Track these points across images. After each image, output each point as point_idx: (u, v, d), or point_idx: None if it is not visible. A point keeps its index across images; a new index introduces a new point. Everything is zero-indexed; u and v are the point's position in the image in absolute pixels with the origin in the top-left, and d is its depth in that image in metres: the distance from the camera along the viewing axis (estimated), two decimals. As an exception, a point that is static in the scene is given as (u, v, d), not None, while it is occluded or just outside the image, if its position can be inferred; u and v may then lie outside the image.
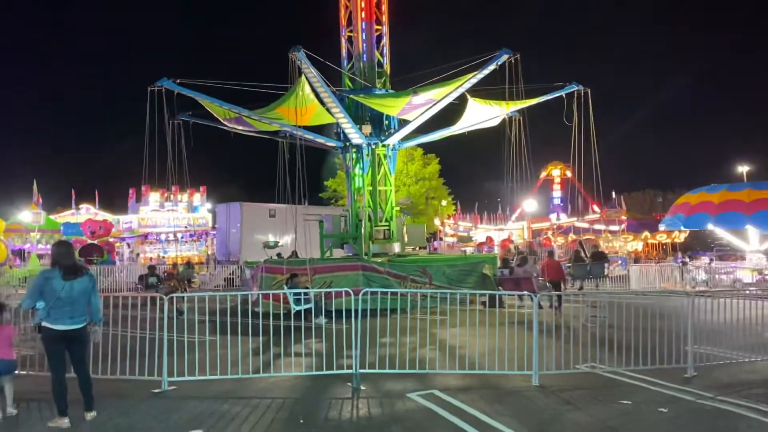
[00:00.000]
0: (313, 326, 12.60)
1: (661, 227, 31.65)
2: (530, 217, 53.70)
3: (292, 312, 12.74)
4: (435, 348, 10.29)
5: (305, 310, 13.46)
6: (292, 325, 9.42)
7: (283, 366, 9.02)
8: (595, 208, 52.92)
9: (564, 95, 19.28)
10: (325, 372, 8.47)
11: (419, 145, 38.70)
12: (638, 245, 46.39)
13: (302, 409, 7.04)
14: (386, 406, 7.11)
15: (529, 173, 21.08)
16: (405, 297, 13.67)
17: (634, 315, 9.70)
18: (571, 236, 43.82)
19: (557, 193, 66.44)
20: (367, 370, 8.31)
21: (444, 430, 6.22)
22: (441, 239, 47.70)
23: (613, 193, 48.57)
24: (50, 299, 6.38)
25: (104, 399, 6.95)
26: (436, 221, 47.89)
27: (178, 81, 17.28)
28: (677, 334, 8.92)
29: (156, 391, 7.73)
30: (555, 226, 50.60)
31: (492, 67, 16.17)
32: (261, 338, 9.31)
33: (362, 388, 7.82)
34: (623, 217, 44.84)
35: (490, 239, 45.82)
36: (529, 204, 55.60)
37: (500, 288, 16.13)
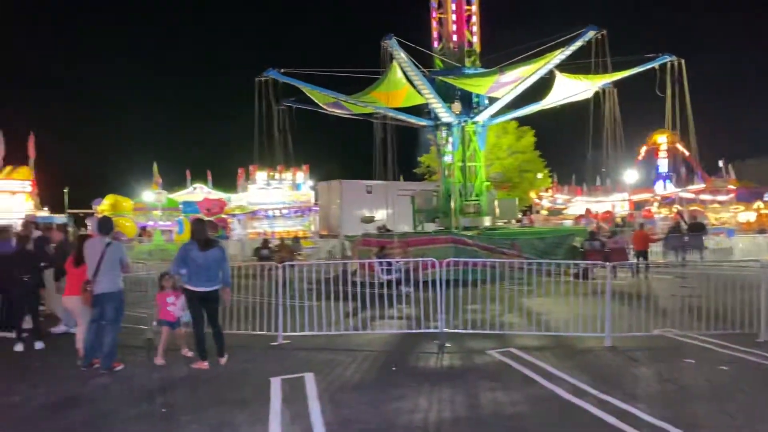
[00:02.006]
0: (403, 294, 13.69)
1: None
2: (631, 189, 52.20)
3: (384, 281, 14.05)
4: (517, 314, 11.17)
5: (393, 279, 14.63)
6: (383, 293, 10.62)
7: (378, 325, 10.32)
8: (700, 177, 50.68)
9: (657, 67, 19.15)
10: (414, 330, 9.68)
11: (513, 119, 38.84)
12: (750, 216, 43.84)
13: (394, 359, 8.24)
14: (466, 360, 8.19)
15: (622, 145, 21.17)
16: (493, 268, 14.48)
17: (722, 285, 10.14)
18: (675, 207, 42.39)
19: (663, 161, 63.82)
20: (451, 330, 9.39)
21: (513, 377, 7.20)
22: (537, 212, 47.53)
23: (720, 162, 46.19)
24: (191, 266, 7.92)
25: (232, 349, 8.45)
26: (532, 194, 47.67)
27: (282, 71, 18.87)
28: (756, 302, 9.30)
29: (273, 343, 9.22)
30: (659, 197, 48.98)
31: (579, 43, 16.48)
32: (358, 303, 10.61)
33: (447, 345, 8.90)
34: (731, 187, 42.61)
35: (588, 211, 45.04)
36: (630, 175, 53.99)
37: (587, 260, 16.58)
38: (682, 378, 7.12)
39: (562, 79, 18.87)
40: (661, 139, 63.74)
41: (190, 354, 8.25)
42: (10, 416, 6.12)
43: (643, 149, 57.59)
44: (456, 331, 9.47)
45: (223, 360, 8.09)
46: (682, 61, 18.99)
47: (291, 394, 6.61)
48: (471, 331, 9.49)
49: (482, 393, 6.57)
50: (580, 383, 6.82)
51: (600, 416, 5.74)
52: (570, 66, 18.89)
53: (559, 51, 16.85)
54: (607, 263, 10.88)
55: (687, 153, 57.15)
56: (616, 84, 21.05)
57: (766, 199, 32.66)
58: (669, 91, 19.11)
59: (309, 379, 7.16)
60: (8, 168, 33.54)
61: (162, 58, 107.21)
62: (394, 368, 7.78)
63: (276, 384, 6.93)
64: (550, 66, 17.40)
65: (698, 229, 18.80)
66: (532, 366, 7.67)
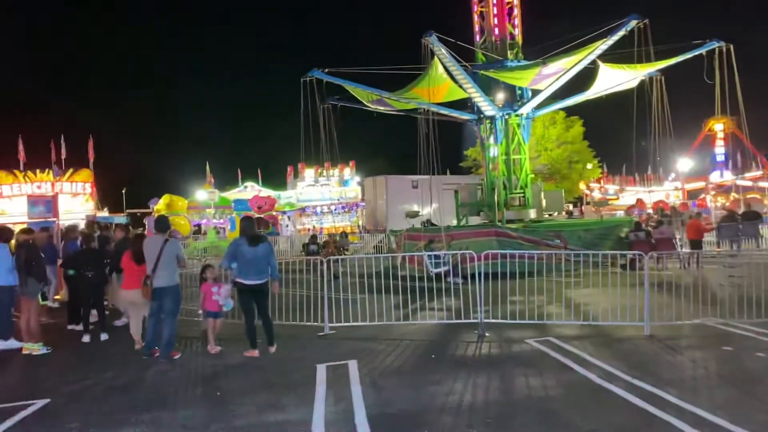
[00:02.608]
0: (452, 286, 13.95)
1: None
2: (685, 177, 50.83)
3: (432, 274, 14.39)
4: (558, 305, 11.33)
5: (443, 272, 14.99)
6: (426, 285, 10.98)
7: (420, 317, 10.67)
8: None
9: (704, 53, 18.77)
10: (455, 321, 9.98)
11: (561, 109, 38.43)
12: (816, 203, 42.09)
13: (434, 348, 8.57)
14: (504, 348, 8.44)
15: (670, 133, 20.85)
16: (540, 260, 14.58)
17: None
18: (733, 195, 41.09)
19: (720, 149, 61.85)
20: (491, 320, 9.65)
21: (549, 364, 7.43)
22: (588, 203, 46.84)
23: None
24: (241, 261, 8.44)
25: (282, 338, 8.94)
26: (582, 185, 47.01)
27: (326, 71, 19.36)
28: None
29: (320, 334, 9.67)
30: (714, 185, 47.56)
31: (621, 33, 16.35)
32: (402, 296, 10.99)
33: (486, 334, 9.17)
34: (791, 173, 41.07)
35: (640, 201, 44.11)
36: (684, 163, 52.51)
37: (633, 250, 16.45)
38: (717, 365, 7.21)
39: (605, 69, 18.73)
40: (718, 126, 61.85)
41: (216, 350, 8.72)
42: (85, 395, 6.76)
43: (700, 137, 56.04)
44: (497, 321, 9.73)
45: (273, 349, 8.58)
46: (731, 47, 18.56)
47: (335, 379, 7.03)
48: (511, 322, 9.72)
49: (516, 378, 6.84)
50: (613, 369, 7.00)
51: (628, 398, 5.94)
52: (614, 55, 18.72)
53: (601, 41, 16.74)
54: (648, 253, 10.86)
55: (745, 140, 55.42)
56: (666, 72, 20.72)
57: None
58: (717, 78, 18.73)
59: (352, 365, 7.57)
60: (70, 171, 35.32)
61: (213, 60, 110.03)
62: (433, 356, 8.11)
63: (321, 370, 7.37)
64: (592, 56, 17.31)
65: (753, 217, 18.34)
66: (569, 354, 7.87)
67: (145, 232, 27.36)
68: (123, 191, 46.73)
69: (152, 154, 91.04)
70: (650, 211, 36.66)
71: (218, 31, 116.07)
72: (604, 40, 16.66)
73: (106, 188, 41.95)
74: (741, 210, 23.23)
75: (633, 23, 16.08)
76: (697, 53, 18.75)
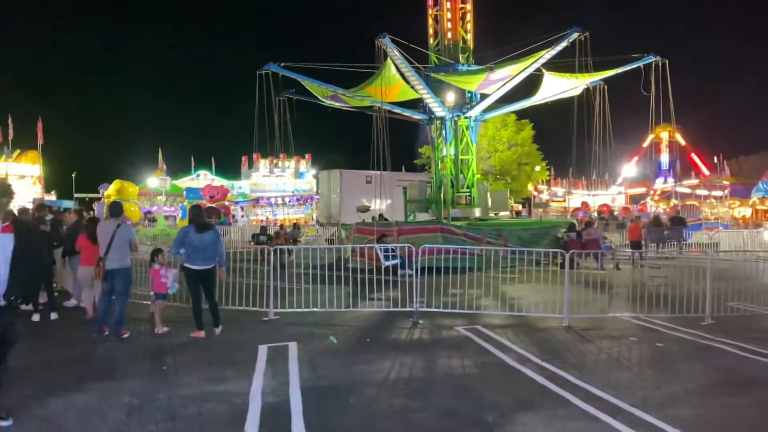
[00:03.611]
0: (399, 278, 14.60)
1: (755, 194, 31.04)
2: (629, 183, 53.01)
3: (383, 267, 15.05)
4: (492, 297, 12.15)
5: (393, 264, 15.65)
6: (375, 277, 11.62)
7: (362, 305, 11.34)
8: (704, 171, 51.37)
9: (642, 67, 20.01)
10: (393, 309, 10.69)
11: (513, 112, 39.68)
12: (746, 211, 44.46)
13: (371, 333, 9.24)
14: (435, 334, 9.18)
15: (611, 139, 22.11)
16: (481, 256, 15.45)
17: (688, 274, 11.13)
18: (673, 201, 43.16)
19: (665, 156, 64.43)
20: (427, 309, 10.39)
21: (472, 348, 8.18)
22: (535, 204, 48.39)
23: (715, 158, 46.97)
24: (188, 247, 8.92)
25: (227, 322, 9.44)
26: (530, 187, 48.53)
27: (282, 65, 19.81)
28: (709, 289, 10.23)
29: (265, 318, 10.21)
30: (658, 191, 49.74)
31: (563, 44, 17.35)
32: (347, 287, 11.64)
33: (420, 322, 9.89)
34: (725, 182, 43.38)
35: (585, 204, 45.86)
36: (628, 169, 54.71)
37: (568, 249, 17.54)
38: (618, 352, 8.09)
39: (550, 78, 19.75)
40: (664, 134, 64.42)
41: (163, 330, 9.17)
42: (38, 368, 7.16)
43: (645, 143, 58.30)
44: (432, 310, 10.48)
45: (218, 330, 9.09)
46: (666, 62, 19.87)
47: (275, 357, 7.61)
48: (445, 311, 10.51)
49: (439, 359, 7.57)
50: (527, 354, 7.81)
51: (534, 378, 6.73)
52: (558, 64, 19.76)
53: (545, 51, 17.72)
54: (575, 252, 11.81)
55: (688, 148, 58.04)
56: (610, 81, 21.93)
57: (753, 194, 33.47)
58: (653, 90, 20.02)
59: (293, 347, 8.16)
60: (17, 152, 34.64)
61: (168, 46, 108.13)
62: (368, 340, 8.78)
63: (263, 350, 7.94)
64: (536, 65, 18.28)
65: (678, 223, 19.76)
66: (491, 340, 8.65)
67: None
68: (73, 175, 45.92)
69: (104, 139, 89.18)
70: (595, 213, 38.35)
71: (172, 16, 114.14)
72: (548, 50, 17.64)
73: (56, 172, 41.17)
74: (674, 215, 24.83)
75: (575, 35, 17.09)
76: (635, 66, 19.99)
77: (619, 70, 20.16)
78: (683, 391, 6.36)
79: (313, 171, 49.83)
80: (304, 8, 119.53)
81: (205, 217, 9.43)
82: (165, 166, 42.20)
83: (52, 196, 37.74)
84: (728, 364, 7.51)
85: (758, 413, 5.85)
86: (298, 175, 50.14)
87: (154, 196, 39.66)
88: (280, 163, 48.88)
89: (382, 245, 16.36)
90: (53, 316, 10.25)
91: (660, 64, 19.79)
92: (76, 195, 43.51)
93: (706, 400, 6.11)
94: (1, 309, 5.15)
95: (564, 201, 48.53)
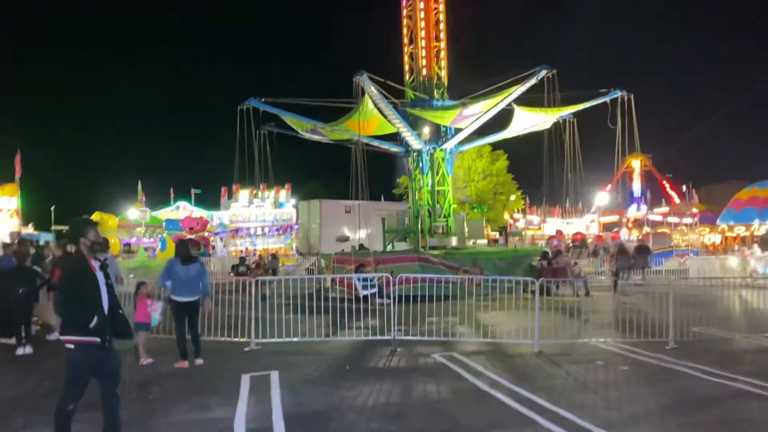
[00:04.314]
0: (377, 307, 14.94)
1: (718, 222, 32.06)
2: (603, 211, 54.06)
3: (361, 296, 15.39)
4: (468, 325, 12.54)
5: (371, 294, 16.01)
6: (354, 307, 11.98)
7: (341, 334, 11.68)
8: (674, 199, 52.68)
9: (608, 101, 20.90)
10: (372, 338, 11.04)
11: (488, 144, 40.66)
12: (716, 238, 45.48)
13: (350, 361, 9.58)
14: (411, 361, 9.55)
15: (581, 170, 22.95)
16: (457, 284, 15.87)
17: (656, 301, 11.68)
18: (645, 229, 44.18)
19: (637, 184, 65.88)
20: (405, 338, 10.77)
21: (448, 374, 8.57)
22: (511, 233, 49.12)
23: (684, 186, 48.34)
24: (175, 279, 9.23)
25: (210, 352, 9.71)
26: (506, 215, 49.36)
27: (263, 100, 20.32)
28: (672, 315, 10.76)
29: (246, 348, 10.49)
30: (631, 219, 50.81)
31: (532, 81, 18.15)
32: (327, 316, 11.99)
33: (398, 350, 10.25)
34: (695, 210, 44.61)
35: (559, 233, 46.64)
36: (601, 197, 55.85)
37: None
38: (585, 376, 8.53)
39: (520, 112, 20.48)
40: (635, 163, 66.00)
41: (147, 361, 9.40)
42: (26, 399, 7.38)
43: (618, 172, 59.70)
44: (410, 338, 10.88)
45: (200, 361, 9.35)
46: (632, 96, 20.78)
47: (257, 386, 7.91)
48: (422, 339, 10.92)
49: (416, 385, 7.93)
50: (500, 378, 8.21)
51: (504, 401, 7.13)
52: (529, 99, 20.56)
53: (515, 87, 18.49)
54: (545, 279, 12.32)
55: (658, 177, 59.54)
56: (581, 113, 22.79)
57: (718, 222, 34.57)
58: (619, 123, 20.90)
59: (274, 375, 8.45)
60: (-6, 185, 34.38)
61: (148, 77, 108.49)
62: (347, 368, 9.11)
63: (245, 379, 8.22)
64: (507, 101, 19.02)
65: (644, 251, 20.48)
66: (466, 366, 9.04)
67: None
68: (52, 208, 45.54)
69: (84, 170, 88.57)
70: (567, 241, 39.09)
71: (153, 49, 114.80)
72: (518, 86, 18.41)
73: (34, 204, 40.90)
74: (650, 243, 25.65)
75: (543, 72, 17.90)
76: (602, 101, 20.87)
77: (587, 104, 21.02)
78: (644, 411, 6.80)
79: (293, 201, 50.05)
80: (285, 45, 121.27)
81: (190, 251, 9.76)
82: (144, 198, 42.15)
83: (29, 229, 37.42)
84: (688, 385, 7.98)
85: (712, 429, 6.30)
86: (278, 205, 50.31)
87: (134, 227, 39.54)
88: (260, 194, 49.07)
89: (359, 275, 16.75)
90: (28, 350, 10.37)
91: (626, 99, 20.69)
92: (54, 227, 43.15)
93: (664, 419, 6.55)
94: None
95: (540, 229, 49.37)
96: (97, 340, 5.14)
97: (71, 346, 5.15)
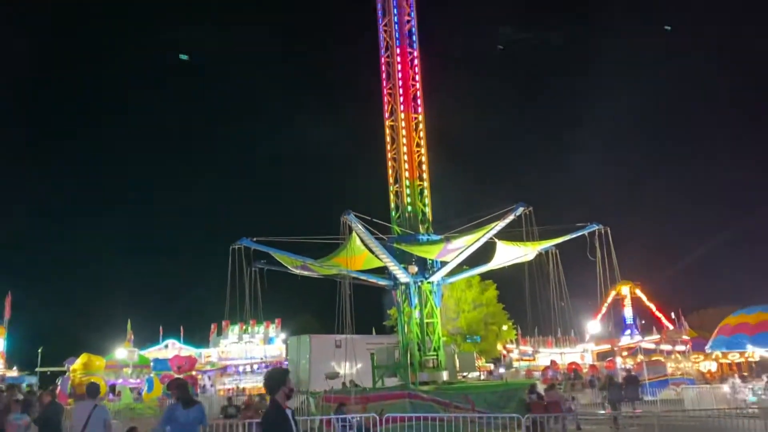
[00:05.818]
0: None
1: (709, 348, 31.99)
2: (596, 339, 53.60)
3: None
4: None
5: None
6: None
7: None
8: (666, 326, 52.55)
9: (586, 234, 21.87)
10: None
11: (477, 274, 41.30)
12: (712, 365, 44.76)
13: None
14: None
15: (567, 300, 23.40)
16: (450, 422, 15.68)
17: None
18: (639, 357, 43.71)
19: (629, 311, 65.82)
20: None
21: None
22: (504, 364, 48.41)
23: (673, 314, 48.59)
24: (174, 424, 9.33)
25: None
26: (499, 346, 48.96)
27: (255, 239, 21.10)
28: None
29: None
30: (623, 347, 50.32)
31: (511, 218, 19.19)
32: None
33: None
34: (685, 337, 44.45)
35: (554, 363, 45.93)
36: (593, 326, 55.60)
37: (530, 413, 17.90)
38: None
39: (502, 246, 21.35)
40: (625, 290, 66.43)
41: None
42: None
43: (604, 300, 60.02)
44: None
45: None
46: (608, 229, 21.76)
47: None
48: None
49: None
50: None
51: None
52: (509, 233, 21.49)
53: (494, 224, 19.50)
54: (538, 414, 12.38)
55: (650, 304, 59.72)
56: (563, 244, 23.66)
57: (708, 349, 34.43)
58: (598, 254, 21.70)
59: None
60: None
61: (135, 215, 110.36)
62: None
63: None
64: (488, 236, 19.94)
65: (633, 381, 20.50)
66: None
67: (57, 392, 26.52)
68: (39, 350, 44.77)
69: (71, 311, 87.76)
70: (560, 375, 38.61)
71: (143, 188, 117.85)
72: (497, 222, 19.40)
73: (18, 345, 40.37)
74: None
75: (521, 210, 18.98)
76: (579, 234, 21.83)
77: (566, 237, 21.96)
78: None
79: (283, 335, 49.63)
80: (275, 184, 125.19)
81: (190, 394, 9.94)
82: (133, 336, 41.80)
83: (13, 372, 36.69)
84: None
85: None
86: (267, 340, 49.82)
87: (121, 368, 38.86)
88: (249, 329, 48.76)
89: (339, 416, 16.20)
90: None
91: (603, 232, 21.65)
92: (39, 369, 42.25)
93: None
94: None
95: (534, 359, 48.72)
96: None
97: None
